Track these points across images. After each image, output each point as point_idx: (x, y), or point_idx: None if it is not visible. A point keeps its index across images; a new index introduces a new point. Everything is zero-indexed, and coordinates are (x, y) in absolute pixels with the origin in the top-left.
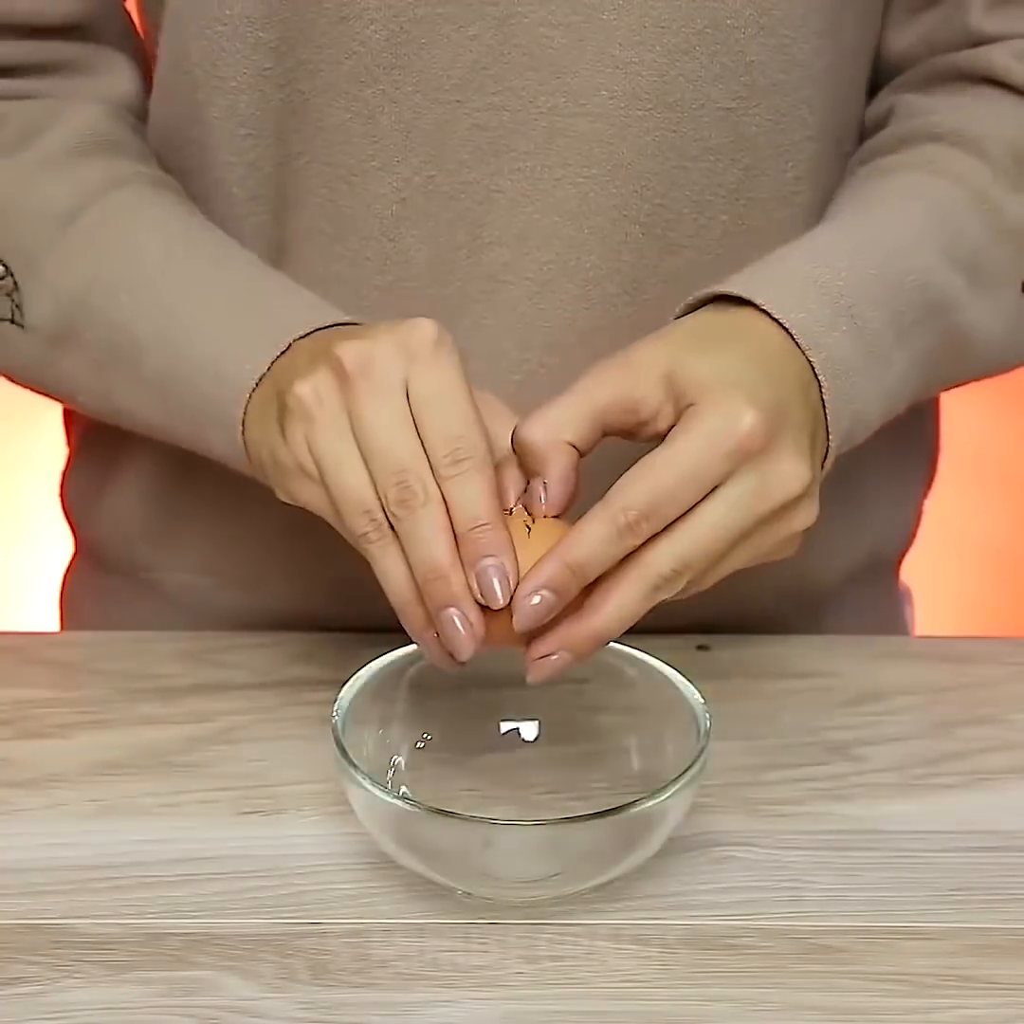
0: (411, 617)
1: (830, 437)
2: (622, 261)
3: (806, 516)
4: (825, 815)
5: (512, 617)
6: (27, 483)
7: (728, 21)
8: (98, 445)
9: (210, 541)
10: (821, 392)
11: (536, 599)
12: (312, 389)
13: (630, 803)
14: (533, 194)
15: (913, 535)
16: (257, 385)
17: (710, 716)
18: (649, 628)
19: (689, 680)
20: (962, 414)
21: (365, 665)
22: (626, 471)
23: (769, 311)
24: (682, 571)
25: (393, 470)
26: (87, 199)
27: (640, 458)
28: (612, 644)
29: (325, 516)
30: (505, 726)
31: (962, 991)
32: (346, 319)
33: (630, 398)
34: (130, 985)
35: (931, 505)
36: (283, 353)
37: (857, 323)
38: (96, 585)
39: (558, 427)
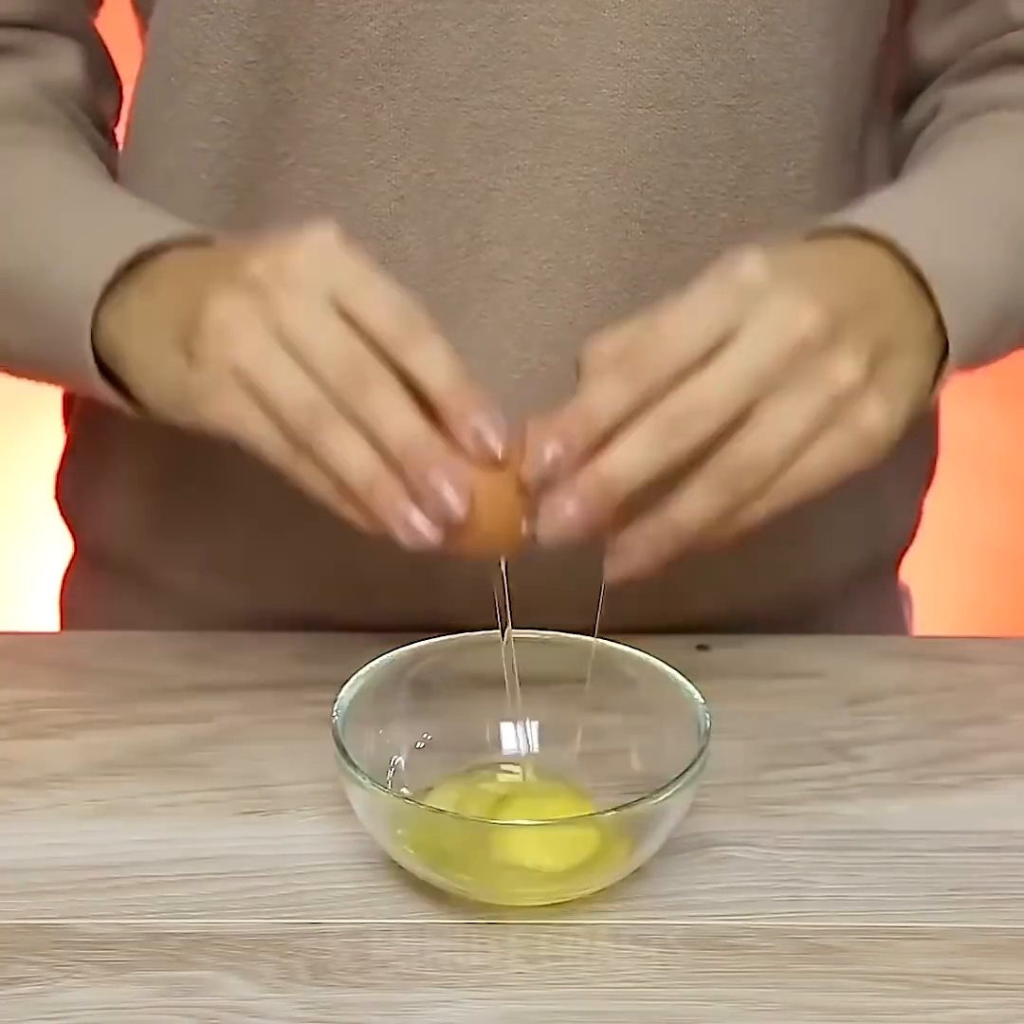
0: (380, 493)
1: (949, 344)
2: (622, 259)
3: (875, 415)
4: (825, 815)
5: (502, 485)
6: (27, 483)
7: (729, 19)
8: (91, 443)
9: (208, 537)
10: (933, 304)
11: (546, 451)
12: (229, 307)
13: (630, 803)
14: (532, 192)
15: (913, 535)
16: (106, 294)
17: (710, 716)
18: (649, 628)
19: (689, 680)
20: (962, 414)
21: (365, 665)
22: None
23: (868, 228)
24: (697, 414)
25: (337, 359)
26: None
27: None
28: (612, 644)
29: (251, 434)
30: (505, 726)
31: (962, 991)
32: (202, 232)
33: None
34: (130, 985)
35: (931, 505)
36: (132, 267)
37: (961, 239)
38: (95, 586)
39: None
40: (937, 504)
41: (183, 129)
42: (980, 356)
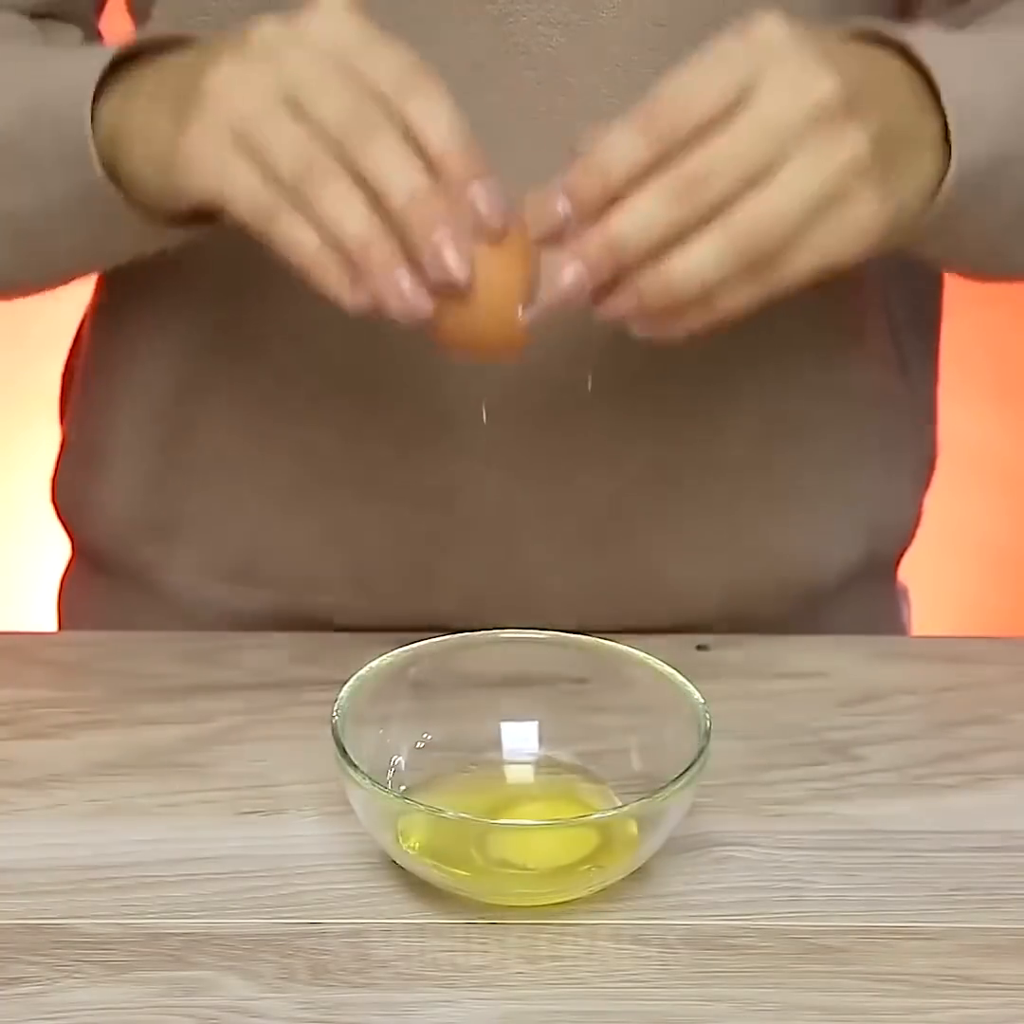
0: (376, 251)
1: (953, 153)
2: None
3: (868, 206)
4: (825, 815)
5: (501, 261)
6: (26, 483)
7: (729, 19)
8: (86, 444)
9: (205, 538)
10: (942, 116)
11: (554, 205)
12: (229, 69)
13: (630, 803)
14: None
15: (912, 534)
16: (103, 90)
17: (710, 716)
18: (649, 628)
19: (689, 680)
20: (962, 414)
21: (365, 665)
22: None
23: (884, 32)
24: (713, 172)
25: (339, 112)
26: None
27: None
28: (612, 644)
29: (234, 187)
30: (505, 726)
31: (962, 991)
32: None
33: None
34: (130, 985)
35: (931, 505)
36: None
37: (977, 68)
38: (93, 587)
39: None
40: (937, 504)
41: None
42: (978, 193)
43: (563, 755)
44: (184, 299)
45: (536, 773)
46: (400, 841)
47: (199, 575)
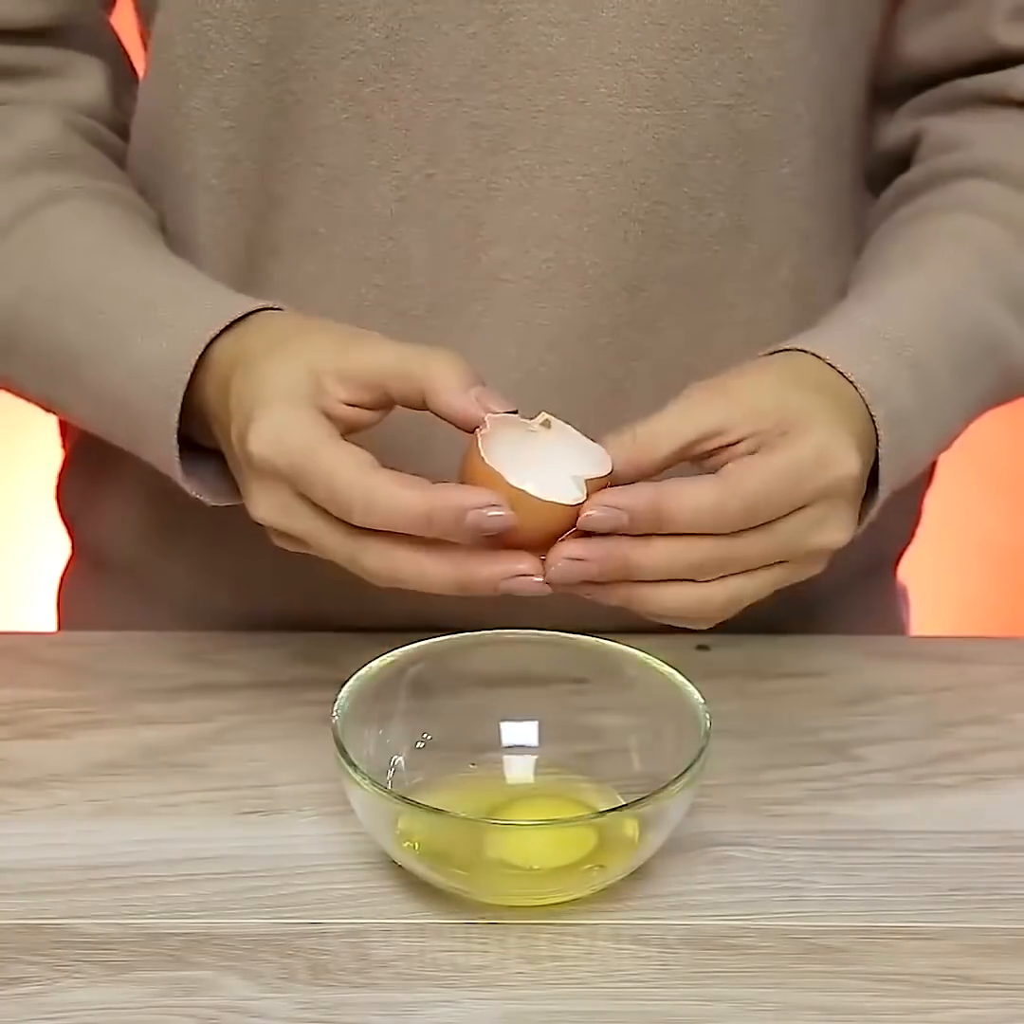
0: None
1: (878, 488)
2: (621, 259)
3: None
4: (825, 815)
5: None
6: (26, 482)
7: (726, 18)
8: (92, 447)
9: (207, 540)
10: (877, 444)
11: (602, 512)
12: (249, 487)
13: (630, 803)
14: (532, 192)
15: (912, 534)
16: (188, 390)
17: (710, 716)
18: (649, 628)
19: (689, 680)
20: None
21: (365, 665)
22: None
23: (836, 365)
24: (745, 560)
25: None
26: (22, 213)
27: None
28: (612, 644)
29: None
30: (505, 726)
31: (962, 991)
32: (261, 304)
33: (723, 425)
34: (130, 985)
35: (931, 505)
36: (203, 357)
37: (918, 373)
38: (93, 588)
39: (651, 447)
40: (937, 504)
41: (192, 135)
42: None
43: (563, 755)
44: None
45: (536, 773)
46: (400, 841)
47: (198, 578)
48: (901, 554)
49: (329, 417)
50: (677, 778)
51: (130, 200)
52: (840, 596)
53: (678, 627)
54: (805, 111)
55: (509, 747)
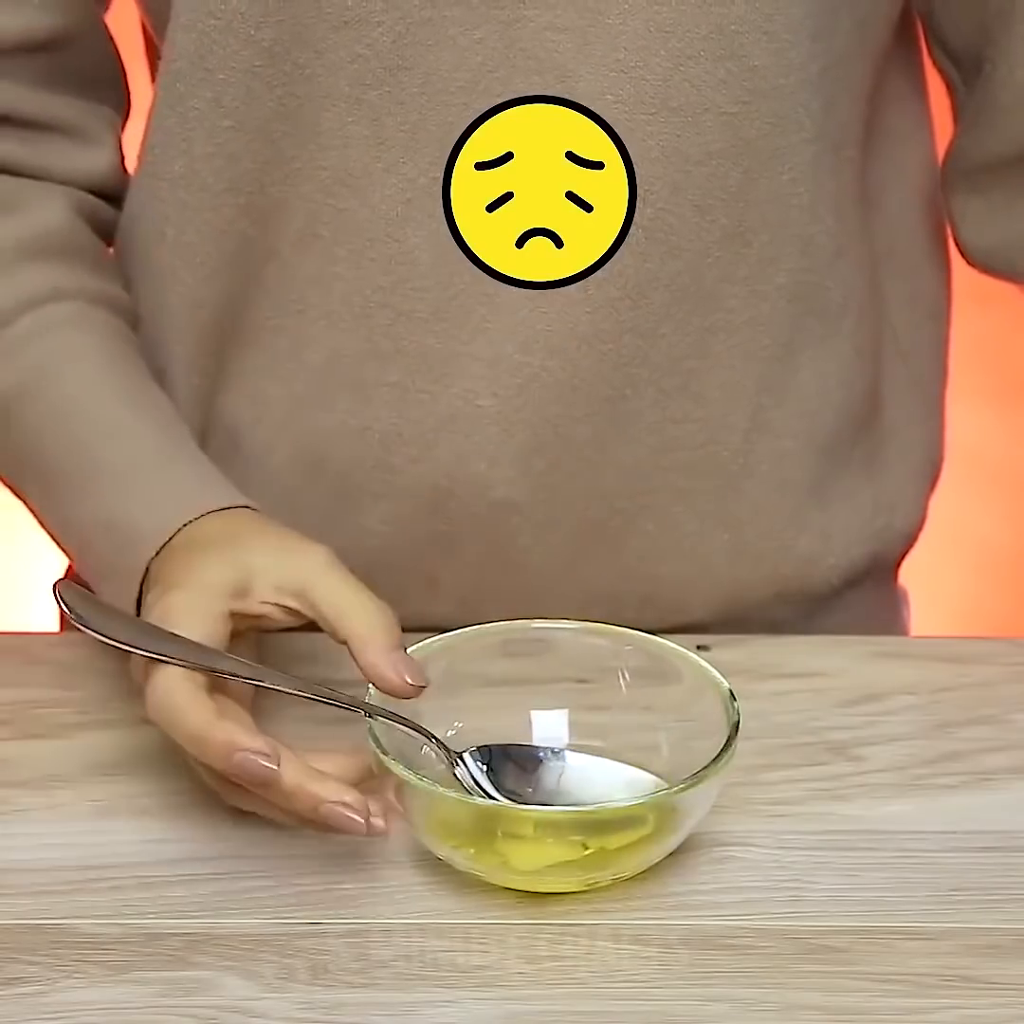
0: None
1: None
2: (624, 265)
3: None
4: (825, 815)
5: None
6: None
7: (732, 26)
8: None
9: None
10: None
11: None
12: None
13: (664, 790)
14: None
15: (915, 537)
16: (154, 557)
17: (734, 696)
18: (650, 628)
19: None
20: (962, 414)
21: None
22: None
23: None
24: None
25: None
26: (24, 306)
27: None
28: (644, 634)
29: None
30: (536, 715)
31: (962, 991)
32: (236, 502)
33: None
34: (130, 985)
35: (931, 505)
36: (170, 539)
37: None
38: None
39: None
40: (937, 504)
41: (191, 133)
42: None
43: (593, 746)
44: (184, 300)
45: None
46: (433, 829)
47: None
48: (903, 557)
49: (244, 615)
50: (707, 767)
51: (124, 308)
52: (841, 599)
53: (678, 627)
54: (807, 119)
55: (540, 739)
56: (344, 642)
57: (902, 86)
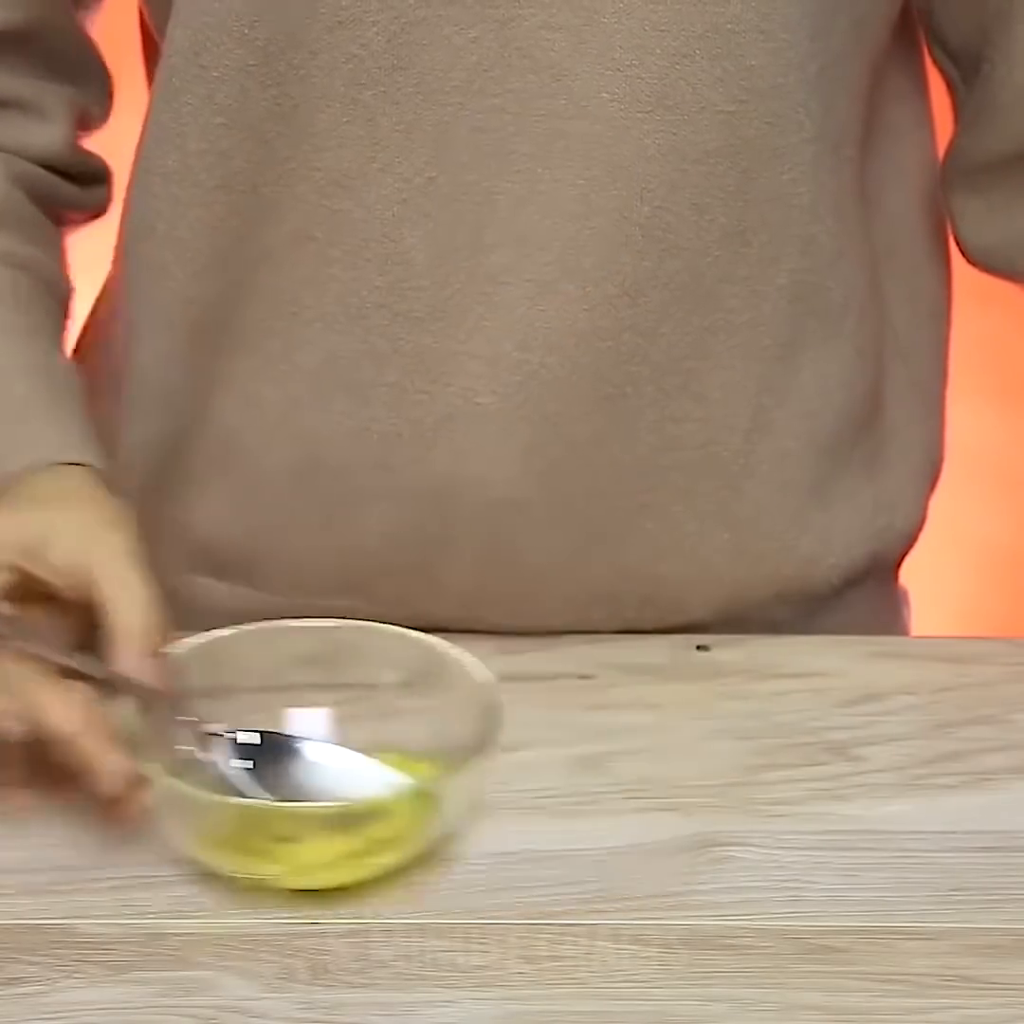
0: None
1: None
2: (622, 263)
3: None
4: (825, 815)
5: None
6: None
7: (728, 25)
8: None
9: (204, 534)
10: None
11: None
12: None
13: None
14: (533, 197)
15: (915, 537)
16: None
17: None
18: (649, 628)
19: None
20: (962, 414)
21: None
22: None
23: None
24: None
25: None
26: None
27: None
28: (387, 628)
29: None
30: (298, 714)
31: (962, 991)
32: (83, 459)
33: None
34: (130, 985)
35: (931, 505)
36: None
37: None
38: None
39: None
40: (937, 504)
41: (184, 129)
42: None
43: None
44: (174, 295)
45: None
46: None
47: (197, 575)
48: (903, 557)
49: None
50: (461, 751)
51: (51, 276)
52: (841, 599)
53: (678, 627)
54: (806, 118)
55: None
56: (110, 633)
57: (902, 84)
